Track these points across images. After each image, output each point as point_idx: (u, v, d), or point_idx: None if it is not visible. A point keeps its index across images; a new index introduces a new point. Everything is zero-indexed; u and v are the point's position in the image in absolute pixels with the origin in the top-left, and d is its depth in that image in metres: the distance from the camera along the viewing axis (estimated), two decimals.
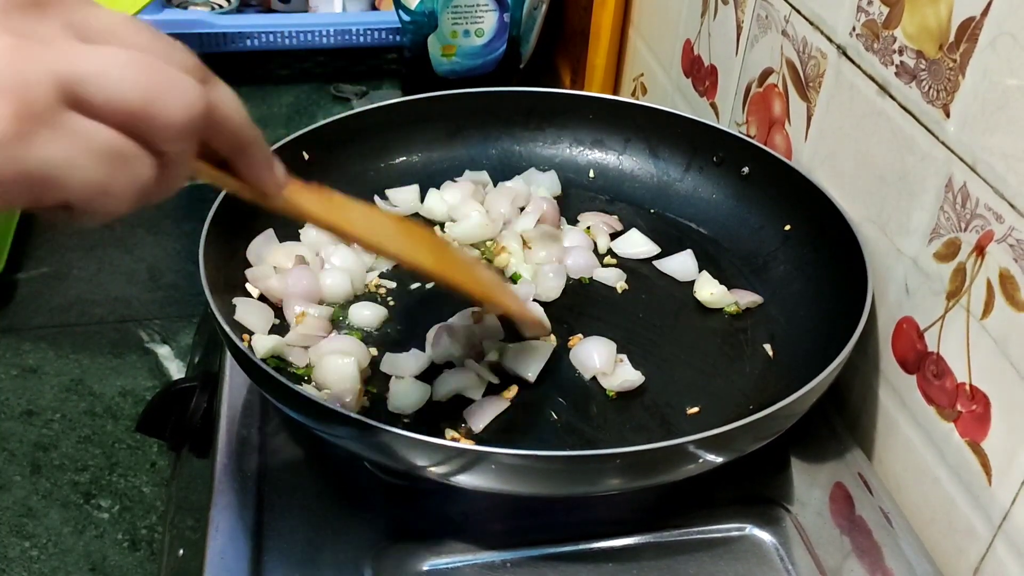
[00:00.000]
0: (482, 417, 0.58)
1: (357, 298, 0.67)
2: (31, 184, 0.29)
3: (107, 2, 0.33)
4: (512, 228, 0.72)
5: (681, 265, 0.72)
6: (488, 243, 0.73)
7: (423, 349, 0.62)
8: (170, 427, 0.68)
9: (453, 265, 0.55)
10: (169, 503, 0.73)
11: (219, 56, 1.25)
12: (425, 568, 0.53)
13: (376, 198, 0.77)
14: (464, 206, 0.75)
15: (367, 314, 0.65)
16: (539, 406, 0.60)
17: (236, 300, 0.64)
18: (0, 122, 0.27)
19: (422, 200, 0.77)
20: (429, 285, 0.69)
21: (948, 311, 0.56)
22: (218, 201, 0.64)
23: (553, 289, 0.68)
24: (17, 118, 0.27)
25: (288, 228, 0.71)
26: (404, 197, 0.77)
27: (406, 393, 0.59)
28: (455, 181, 0.79)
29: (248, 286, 0.66)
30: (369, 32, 1.25)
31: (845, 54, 0.64)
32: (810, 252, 0.69)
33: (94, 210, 0.31)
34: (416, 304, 0.68)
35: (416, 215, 0.76)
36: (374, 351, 0.63)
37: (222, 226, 0.64)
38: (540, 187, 0.78)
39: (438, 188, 0.78)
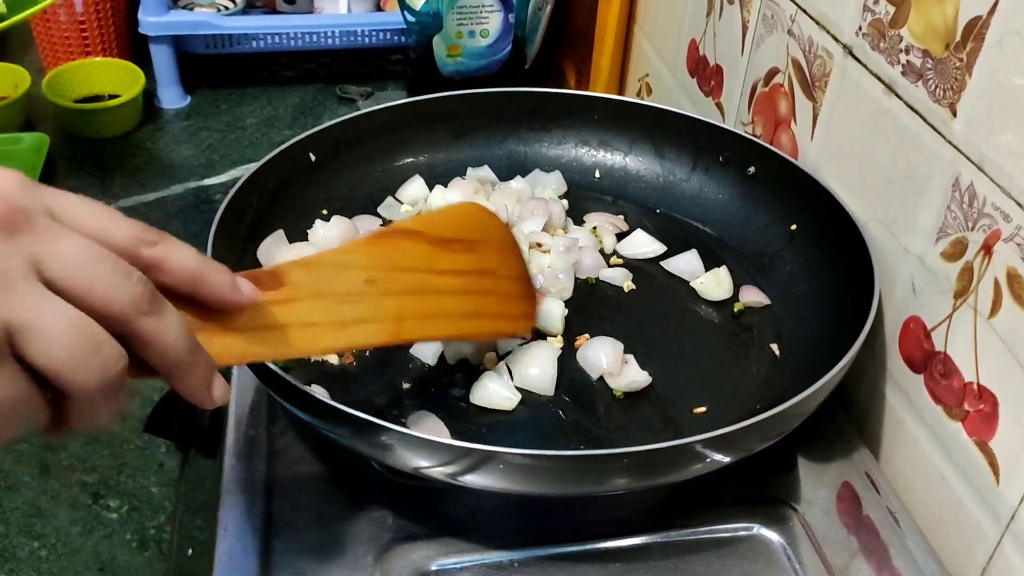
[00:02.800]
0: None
1: None
2: None
3: None
4: (520, 229, 0.72)
5: (687, 265, 0.72)
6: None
7: None
8: (178, 427, 0.69)
9: (432, 324, 0.54)
10: (177, 503, 0.73)
11: (224, 57, 1.25)
12: (433, 568, 0.53)
13: (390, 197, 0.77)
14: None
15: None
16: (546, 406, 0.60)
17: None
18: None
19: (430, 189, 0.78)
20: None
21: (955, 310, 0.56)
22: (226, 202, 0.64)
23: (565, 290, 0.68)
24: None
25: (298, 228, 0.71)
26: (412, 191, 0.77)
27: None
28: (463, 179, 0.79)
29: None
30: (374, 33, 1.25)
31: (851, 53, 0.64)
32: (816, 251, 0.69)
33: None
34: None
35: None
36: None
37: (229, 226, 0.64)
38: (546, 188, 0.79)
39: (444, 187, 0.78)
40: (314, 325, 0.46)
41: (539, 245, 0.72)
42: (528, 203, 0.74)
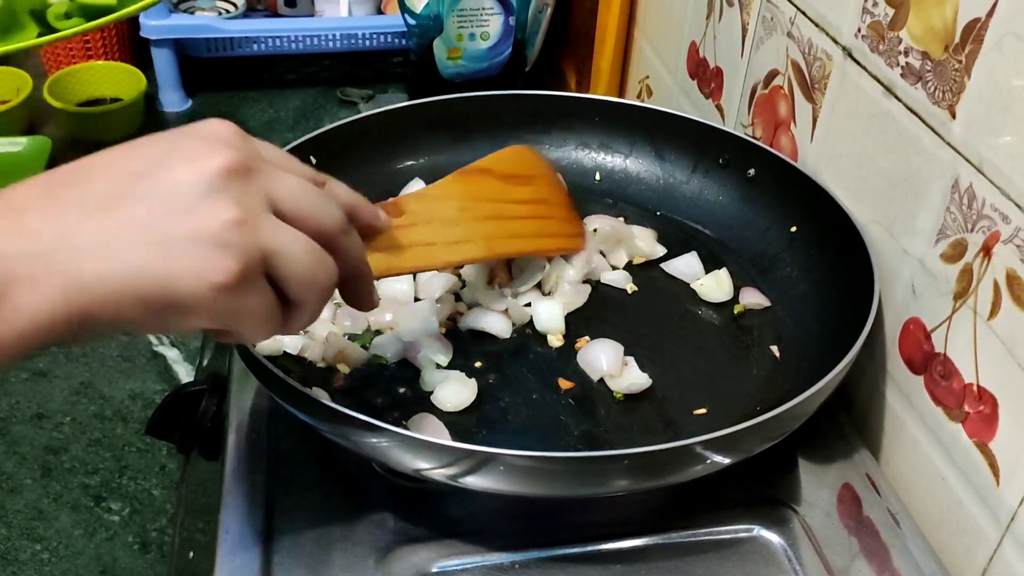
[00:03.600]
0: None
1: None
2: (227, 323, 0.40)
3: None
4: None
5: (687, 267, 0.72)
6: None
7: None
8: (179, 430, 0.69)
9: (501, 245, 0.64)
10: (179, 506, 0.74)
11: (226, 60, 1.26)
12: (434, 569, 0.53)
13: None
14: None
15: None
16: (546, 408, 0.60)
17: None
18: (230, 277, 0.38)
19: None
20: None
21: (955, 312, 0.56)
22: None
23: (571, 303, 0.68)
24: (242, 275, 0.39)
25: None
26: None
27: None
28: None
29: None
30: (375, 36, 1.25)
31: (851, 55, 0.64)
32: (816, 253, 0.69)
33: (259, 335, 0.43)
34: None
35: None
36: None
37: None
38: None
39: None
40: (430, 244, 0.57)
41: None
42: None
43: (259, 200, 0.40)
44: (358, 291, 0.48)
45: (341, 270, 0.44)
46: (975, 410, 0.55)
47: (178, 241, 0.38)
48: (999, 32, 0.50)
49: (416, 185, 0.78)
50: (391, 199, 0.58)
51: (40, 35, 0.64)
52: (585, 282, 0.70)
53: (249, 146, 0.42)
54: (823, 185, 0.68)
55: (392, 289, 0.67)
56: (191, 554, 0.64)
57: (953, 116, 0.55)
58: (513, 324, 0.66)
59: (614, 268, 0.72)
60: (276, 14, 1.34)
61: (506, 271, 0.69)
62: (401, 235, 0.55)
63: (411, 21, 1.13)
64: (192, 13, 1.27)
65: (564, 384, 0.61)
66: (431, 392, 0.60)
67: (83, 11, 0.66)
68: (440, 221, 0.59)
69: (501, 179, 0.66)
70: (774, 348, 0.65)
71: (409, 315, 0.64)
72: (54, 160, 1.11)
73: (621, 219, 0.77)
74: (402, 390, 0.61)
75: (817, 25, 0.68)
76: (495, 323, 0.65)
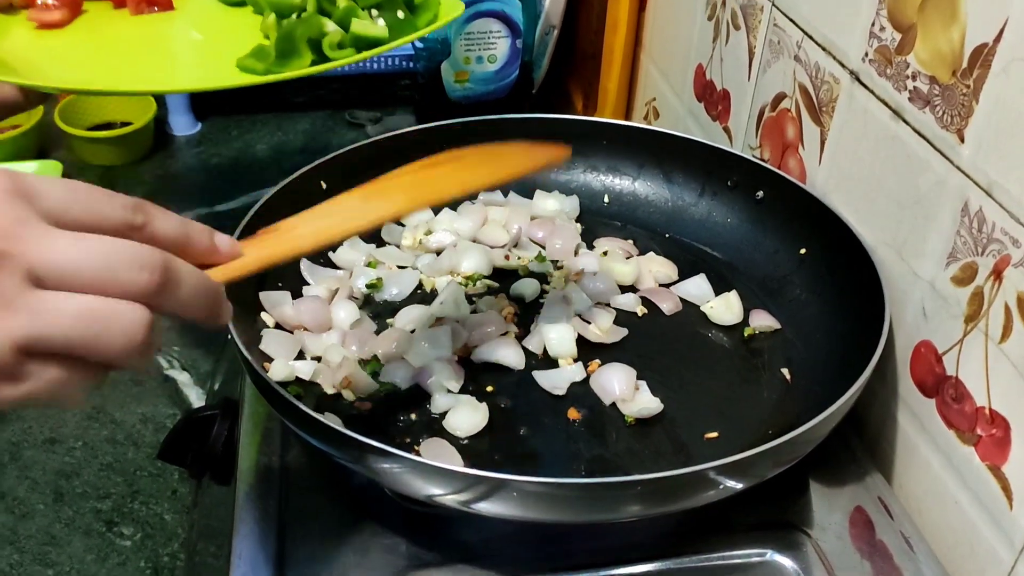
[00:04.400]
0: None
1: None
2: (28, 405, 0.37)
3: None
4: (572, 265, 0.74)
5: (697, 289, 0.72)
6: (555, 272, 0.74)
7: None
8: (191, 455, 0.69)
9: (439, 186, 0.56)
10: (191, 531, 0.74)
11: None
12: None
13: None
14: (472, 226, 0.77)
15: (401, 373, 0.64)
16: (558, 432, 0.60)
17: (263, 332, 0.64)
18: None
19: (435, 214, 0.79)
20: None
21: (966, 335, 0.56)
22: (240, 229, 0.64)
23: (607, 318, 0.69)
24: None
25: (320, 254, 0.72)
26: (416, 216, 0.78)
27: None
28: (472, 203, 0.80)
29: (264, 315, 0.67)
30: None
31: (858, 79, 0.65)
32: (826, 275, 0.69)
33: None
34: None
35: (429, 232, 0.77)
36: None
37: None
38: (560, 210, 0.79)
39: (453, 211, 0.79)
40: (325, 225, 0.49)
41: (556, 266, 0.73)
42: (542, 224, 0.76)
43: (11, 282, 0.35)
44: (208, 314, 0.41)
45: (173, 308, 0.39)
46: (987, 433, 0.55)
47: None
48: (1006, 58, 0.51)
49: (425, 210, 0.78)
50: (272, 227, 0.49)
51: (314, 63, 0.65)
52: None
53: (18, 209, 0.36)
54: (832, 207, 0.68)
55: (405, 318, 0.67)
56: None
57: (962, 140, 0.55)
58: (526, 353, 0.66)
59: (623, 291, 0.72)
60: None
61: (513, 307, 0.70)
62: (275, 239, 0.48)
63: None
64: None
65: (573, 415, 0.61)
66: (443, 417, 0.60)
67: (355, 42, 0.68)
68: (347, 208, 0.52)
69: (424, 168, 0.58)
70: (784, 371, 0.65)
71: (421, 340, 0.64)
72: None
73: (630, 242, 0.78)
74: (414, 415, 0.61)
75: (824, 49, 0.68)
76: (509, 355, 0.65)
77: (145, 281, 0.37)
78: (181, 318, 0.40)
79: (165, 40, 0.74)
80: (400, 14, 0.69)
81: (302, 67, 0.65)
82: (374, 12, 0.69)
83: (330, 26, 0.67)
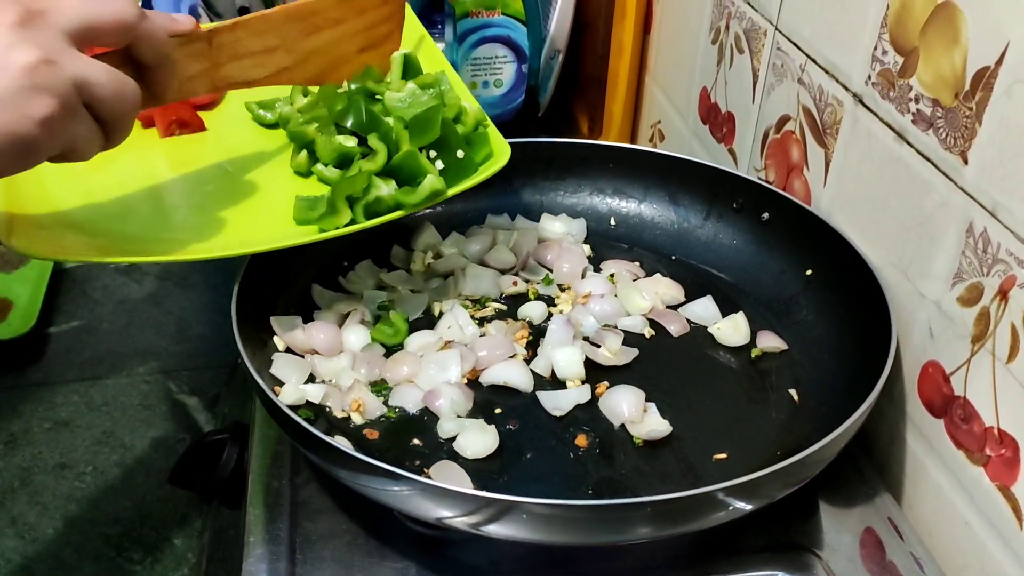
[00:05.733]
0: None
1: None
2: (62, 150, 0.49)
3: None
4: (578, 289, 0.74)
5: (704, 310, 0.72)
6: (562, 294, 0.74)
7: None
8: (201, 479, 0.69)
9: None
10: (201, 555, 0.74)
11: None
12: None
13: (396, 246, 0.78)
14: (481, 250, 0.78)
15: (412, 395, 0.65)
16: (566, 453, 0.60)
17: (274, 355, 0.65)
18: (52, 111, 0.46)
19: (443, 238, 0.79)
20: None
21: (973, 355, 0.56)
22: (241, 274, 0.65)
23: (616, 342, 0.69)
24: (63, 108, 0.47)
25: (324, 276, 0.72)
26: (425, 239, 0.79)
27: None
28: (480, 227, 0.81)
29: (276, 339, 0.67)
30: None
31: (861, 102, 0.65)
32: (832, 296, 0.69)
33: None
34: None
35: (438, 255, 0.78)
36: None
37: (256, 277, 0.65)
38: (567, 233, 0.80)
39: (462, 234, 0.79)
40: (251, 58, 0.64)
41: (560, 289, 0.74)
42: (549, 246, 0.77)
43: (56, 37, 0.47)
44: (163, 78, 0.56)
45: (145, 58, 0.54)
46: (997, 453, 0.55)
47: (1, 95, 0.45)
48: (1008, 80, 0.51)
49: (429, 233, 0.79)
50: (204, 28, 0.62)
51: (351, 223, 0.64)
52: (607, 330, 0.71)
53: None
54: (837, 228, 0.68)
55: (415, 343, 0.67)
56: None
57: (965, 162, 0.55)
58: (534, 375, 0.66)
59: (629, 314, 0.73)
60: None
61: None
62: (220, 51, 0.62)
63: None
64: None
65: (581, 442, 0.61)
66: (452, 440, 0.60)
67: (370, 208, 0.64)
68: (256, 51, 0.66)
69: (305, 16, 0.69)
70: (792, 392, 0.65)
71: (430, 365, 0.65)
72: None
73: (637, 264, 0.78)
74: (424, 438, 0.61)
75: (827, 72, 0.69)
76: (517, 377, 0.65)
77: (131, 14, 0.51)
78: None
79: (197, 182, 0.72)
80: (460, 153, 0.66)
81: (343, 224, 0.63)
82: (432, 153, 0.66)
83: (384, 188, 0.64)
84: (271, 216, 0.67)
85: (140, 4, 0.90)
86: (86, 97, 0.48)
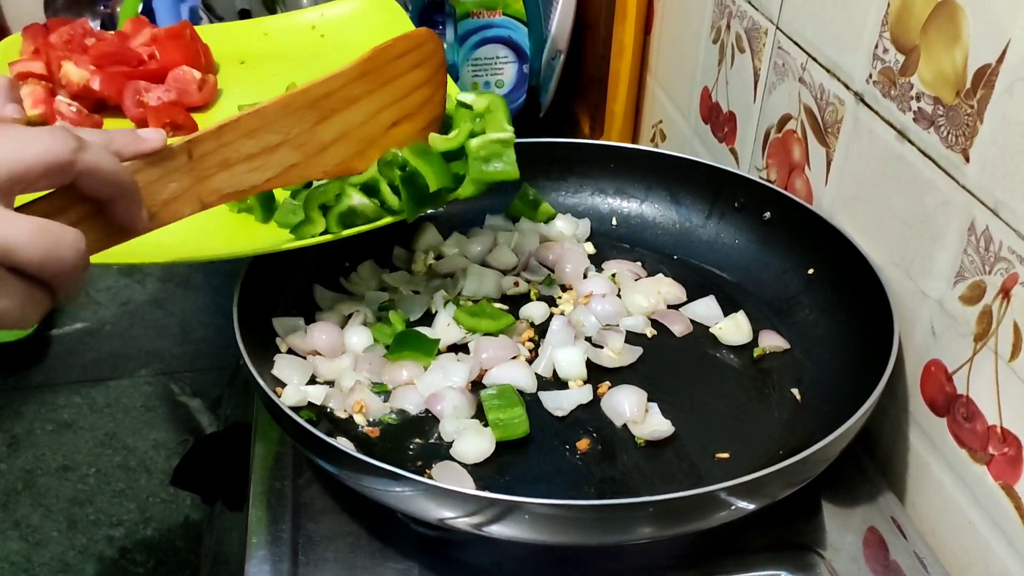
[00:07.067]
0: None
1: None
2: None
3: None
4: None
5: (706, 310, 0.72)
6: (564, 294, 0.74)
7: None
8: (204, 480, 0.69)
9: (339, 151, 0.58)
10: (204, 557, 0.74)
11: None
12: None
13: (397, 247, 0.78)
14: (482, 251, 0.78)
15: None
16: (568, 454, 0.60)
17: (276, 357, 0.65)
18: None
19: (444, 239, 0.79)
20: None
21: (976, 353, 0.56)
22: (243, 273, 0.65)
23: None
24: None
25: (325, 277, 0.73)
26: (426, 239, 0.79)
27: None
28: (480, 228, 0.81)
29: (278, 340, 0.67)
30: None
31: (863, 100, 0.65)
32: (834, 295, 0.69)
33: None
34: None
35: (439, 257, 0.78)
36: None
37: (257, 279, 0.65)
38: (572, 232, 0.80)
39: (464, 234, 0.79)
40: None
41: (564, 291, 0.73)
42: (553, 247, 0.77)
43: None
44: (126, 209, 0.47)
45: (96, 193, 0.45)
46: (999, 452, 0.54)
47: None
48: (1009, 78, 0.51)
49: (430, 234, 0.79)
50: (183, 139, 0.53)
51: (324, 233, 0.62)
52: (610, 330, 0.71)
53: None
54: (839, 227, 0.68)
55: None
56: None
57: (967, 160, 0.55)
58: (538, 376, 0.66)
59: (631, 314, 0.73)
60: None
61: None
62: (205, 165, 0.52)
63: None
64: None
65: (581, 446, 0.61)
66: (454, 441, 0.60)
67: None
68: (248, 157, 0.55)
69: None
70: (794, 391, 0.65)
71: (436, 370, 0.65)
72: None
73: (639, 264, 0.78)
74: (425, 439, 0.61)
75: (828, 71, 0.69)
76: (520, 378, 0.65)
77: (63, 148, 0.43)
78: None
79: None
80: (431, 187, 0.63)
81: (315, 233, 0.62)
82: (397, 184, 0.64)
83: (356, 198, 0.62)
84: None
85: (140, 10, 0.90)
86: (8, 263, 0.41)
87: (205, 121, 0.77)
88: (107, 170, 0.45)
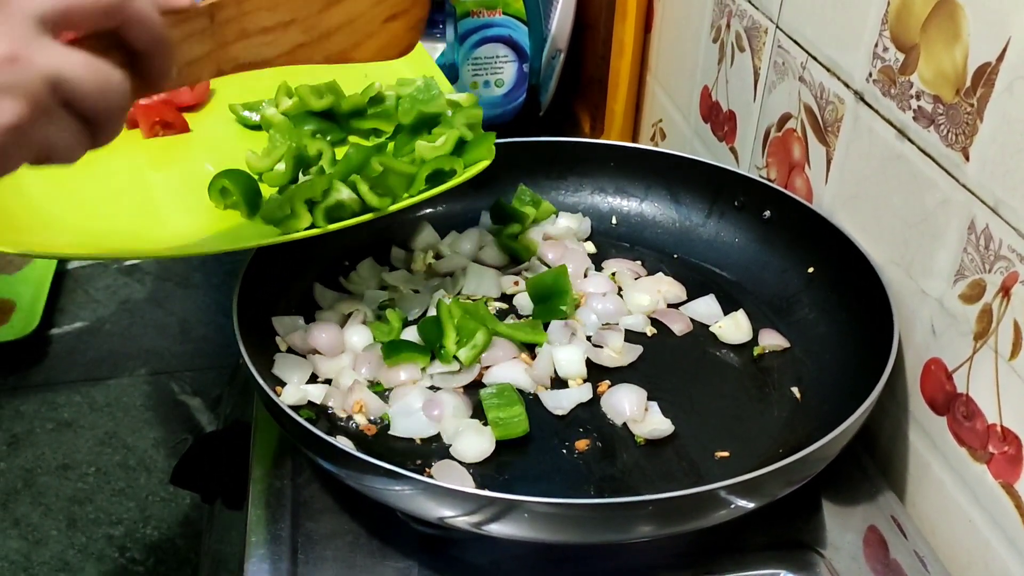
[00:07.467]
0: None
1: None
2: (39, 155, 0.42)
3: None
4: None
5: (706, 309, 0.72)
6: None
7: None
8: (203, 479, 0.69)
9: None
10: (204, 556, 0.74)
11: None
12: None
13: (394, 247, 0.78)
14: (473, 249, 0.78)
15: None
16: (568, 452, 0.60)
17: (276, 356, 0.65)
18: (18, 116, 0.39)
19: (441, 237, 0.79)
20: None
21: (976, 352, 0.56)
22: (248, 262, 0.65)
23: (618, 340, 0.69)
24: (32, 111, 0.40)
25: (325, 275, 0.73)
26: (424, 239, 0.79)
27: None
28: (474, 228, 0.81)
29: (278, 339, 0.67)
30: None
31: (862, 99, 0.65)
32: (834, 294, 0.69)
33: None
34: None
35: (438, 256, 0.78)
36: None
37: (257, 278, 0.65)
38: (571, 228, 0.80)
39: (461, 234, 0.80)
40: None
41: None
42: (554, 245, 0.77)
43: (24, 25, 0.40)
44: (161, 62, 0.47)
45: (136, 42, 0.45)
46: (1000, 451, 0.54)
47: None
48: (1009, 76, 0.51)
49: (427, 233, 0.79)
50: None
51: (310, 227, 0.63)
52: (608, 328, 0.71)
53: None
54: (839, 226, 0.68)
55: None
56: None
57: (967, 158, 0.55)
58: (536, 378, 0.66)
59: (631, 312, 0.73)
60: None
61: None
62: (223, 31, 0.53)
63: None
64: None
65: (580, 444, 0.61)
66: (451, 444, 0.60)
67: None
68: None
69: None
70: (794, 389, 0.65)
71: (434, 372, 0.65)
72: None
73: (639, 263, 0.78)
74: (425, 438, 0.61)
75: (828, 70, 0.69)
76: (519, 377, 0.65)
77: None
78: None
79: (180, 181, 0.71)
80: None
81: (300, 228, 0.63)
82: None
83: (344, 192, 0.64)
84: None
85: None
86: (63, 95, 0.41)
87: (196, 121, 0.77)
88: (152, 20, 0.46)
